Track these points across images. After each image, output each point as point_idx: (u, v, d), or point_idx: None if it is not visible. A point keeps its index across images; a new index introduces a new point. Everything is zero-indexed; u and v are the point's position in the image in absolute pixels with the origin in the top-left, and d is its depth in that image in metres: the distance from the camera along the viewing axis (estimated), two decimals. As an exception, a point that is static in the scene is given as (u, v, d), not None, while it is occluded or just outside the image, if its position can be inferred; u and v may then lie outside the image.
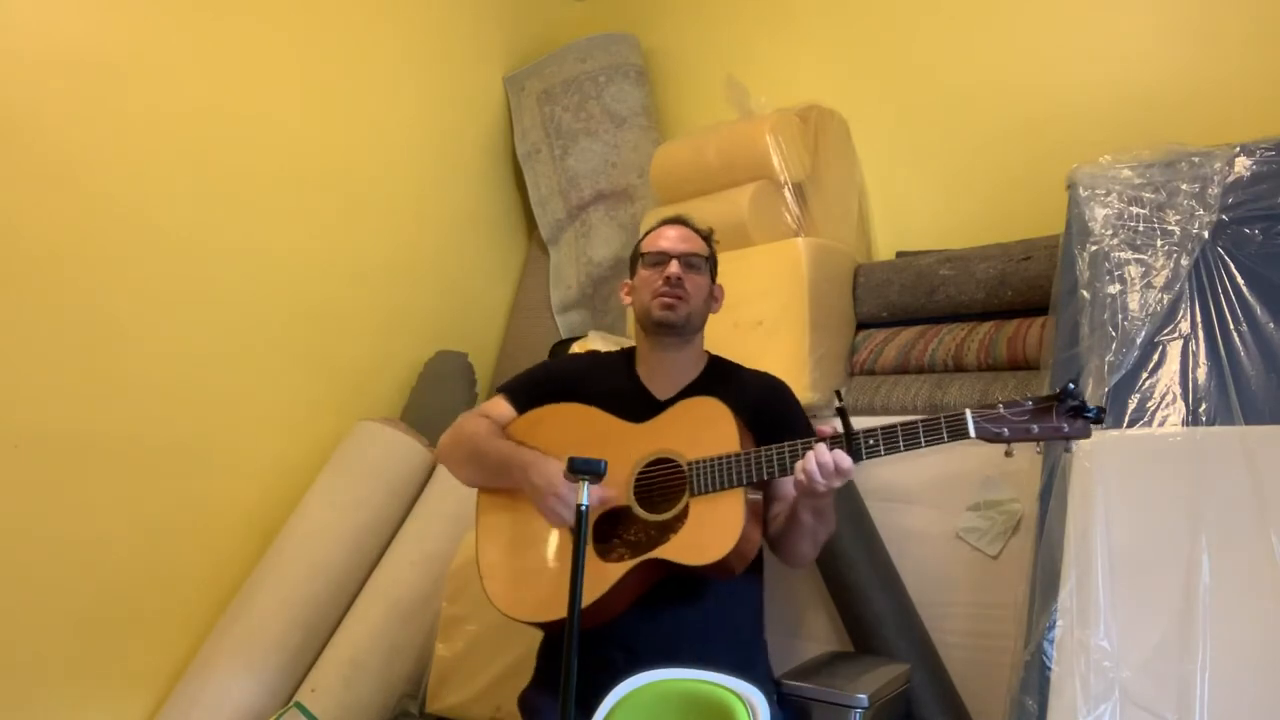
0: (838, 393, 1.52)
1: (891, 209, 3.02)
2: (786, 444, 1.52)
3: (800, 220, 2.71)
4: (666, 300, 1.70)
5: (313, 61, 3.04)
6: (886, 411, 2.49)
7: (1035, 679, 1.68)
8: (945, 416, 1.40)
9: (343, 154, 3.12)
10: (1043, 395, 1.39)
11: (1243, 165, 1.86)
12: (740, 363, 1.92)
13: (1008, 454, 1.40)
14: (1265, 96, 2.36)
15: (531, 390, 1.83)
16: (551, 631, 1.73)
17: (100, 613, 2.51)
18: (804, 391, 2.49)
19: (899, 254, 2.84)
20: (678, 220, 1.86)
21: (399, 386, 3.24)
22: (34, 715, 2.40)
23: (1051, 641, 1.67)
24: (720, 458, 1.55)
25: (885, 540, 2.31)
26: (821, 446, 1.48)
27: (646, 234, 1.84)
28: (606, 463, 1.39)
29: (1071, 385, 1.36)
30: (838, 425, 1.50)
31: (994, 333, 2.42)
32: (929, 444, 1.42)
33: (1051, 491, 1.81)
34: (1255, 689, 1.50)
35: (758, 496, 1.61)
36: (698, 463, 1.57)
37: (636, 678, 1.49)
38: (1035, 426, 1.39)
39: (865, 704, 1.91)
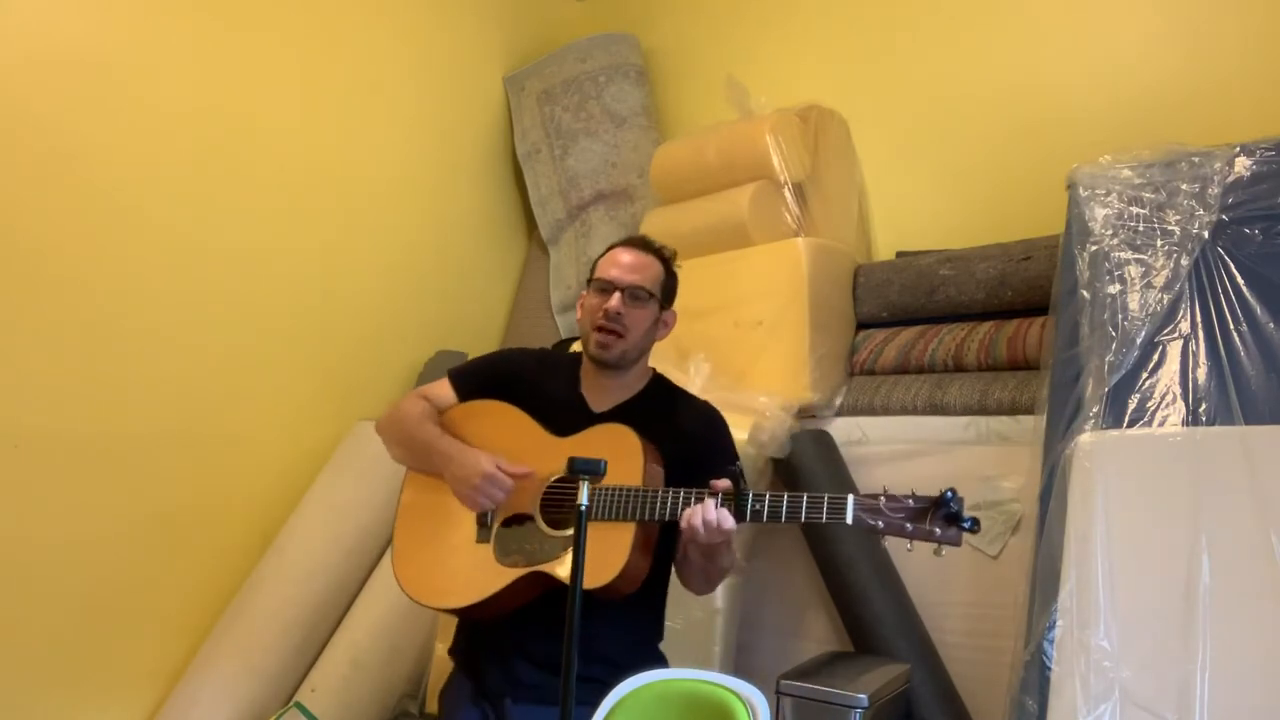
0: (736, 459, 1.59)
1: (891, 209, 3.02)
2: (682, 490, 1.57)
3: (800, 220, 2.71)
4: (601, 338, 1.72)
5: (313, 62, 3.04)
6: (887, 411, 2.49)
7: (1035, 679, 1.68)
8: (829, 498, 1.48)
9: (343, 154, 3.12)
10: (924, 495, 1.45)
11: (1243, 165, 1.86)
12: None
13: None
14: (1265, 96, 2.36)
15: (477, 381, 1.86)
16: (454, 616, 1.79)
17: (100, 613, 2.51)
18: (804, 391, 2.50)
19: (899, 254, 2.84)
20: (637, 242, 1.82)
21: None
22: (34, 715, 2.40)
23: (1051, 641, 1.67)
24: (619, 489, 1.59)
25: (881, 542, 2.31)
26: (709, 502, 1.53)
27: (607, 250, 1.83)
28: (606, 462, 1.40)
29: (949, 493, 1.42)
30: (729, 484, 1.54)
31: (994, 333, 2.42)
32: (809, 519, 1.49)
33: (1051, 491, 1.82)
34: (1255, 689, 1.51)
35: (652, 530, 1.65)
36: (599, 490, 1.60)
37: (636, 678, 1.49)
38: (909, 525, 1.45)
39: (865, 704, 1.91)
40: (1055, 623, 1.67)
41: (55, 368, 2.43)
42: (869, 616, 2.22)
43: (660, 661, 1.76)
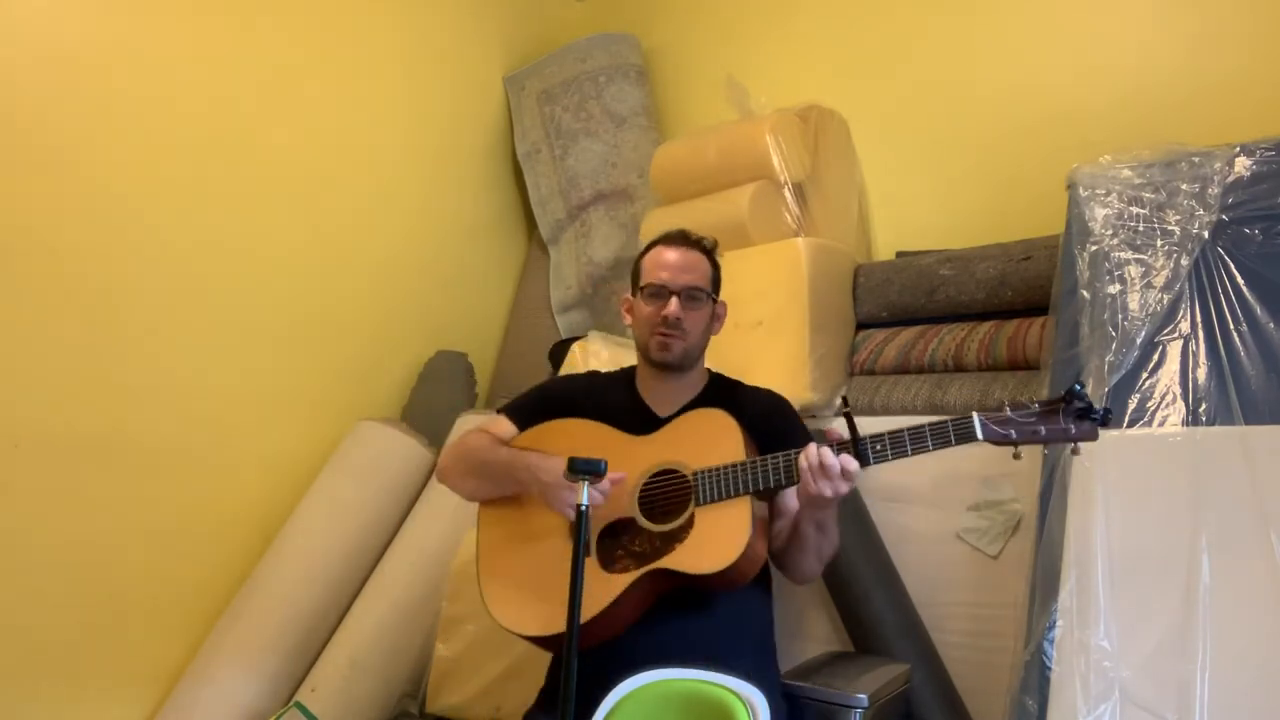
0: (843, 398, 1.52)
1: (891, 209, 3.02)
2: (793, 451, 1.51)
3: (800, 220, 2.71)
4: (664, 341, 1.69)
5: (313, 62, 3.04)
6: (887, 411, 2.49)
7: (1035, 679, 1.68)
8: (952, 420, 1.40)
9: (342, 153, 3.12)
10: (1049, 398, 1.38)
11: (1243, 165, 1.86)
12: (731, 376, 1.91)
13: (1016, 456, 1.40)
14: (1265, 96, 2.36)
15: (532, 408, 1.82)
16: (557, 649, 1.71)
17: (100, 613, 2.51)
18: (804, 391, 2.50)
19: (899, 254, 2.84)
20: (679, 239, 1.78)
21: (399, 386, 3.24)
22: (34, 715, 2.40)
23: (1051, 641, 1.67)
24: (726, 466, 1.54)
25: (885, 540, 2.31)
26: (826, 449, 1.46)
27: (649, 249, 1.78)
28: (606, 462, 1.39)
29: (1078, 386, 1.36)
30: (844, 432, 1.49)
31: (994, 333, 2.42)
32: (936, 448, 1.41)
33: (1051, 491, 1.81)
34: (1255, 689, 1.50)
35: (764, 508, 1.60)
36: (703, 472, 1.56)
37: (636, 678, 1.48)
38: (1042, 429, 1.38)
39: (865, 704, 1.91)
40: (1055, 623, 1.67)
41: (54, 367, 2.43)
42: (869, 616, 2.22)
43: (771, 658, 1.69)
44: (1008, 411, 1.38)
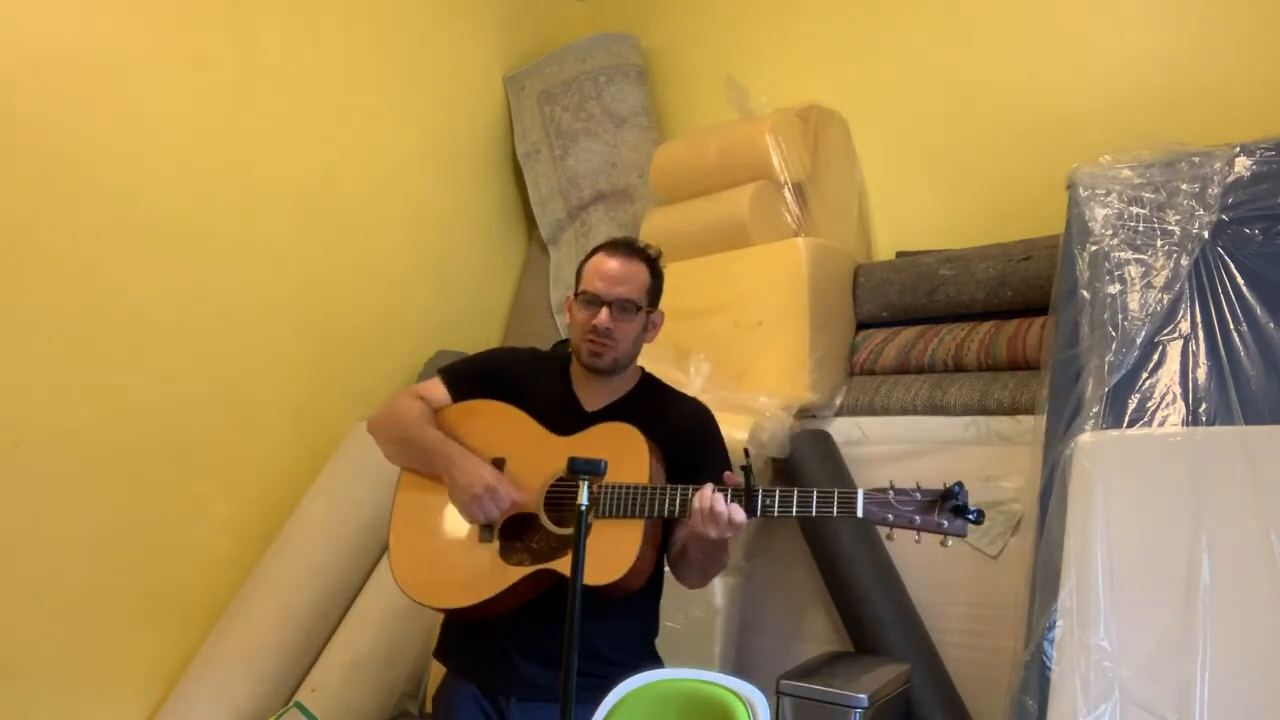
0: (746, 450, 1.60)
1: (891, 209, 3.02)
2: (691, 486, 1.57)
3: (800, 220, 2.71)
4: (593, 349, 1.74)
5: (313, 62, 3.04)
6: (886, 411, 2.49)
7: (1035, 679, 1.68)
8: (839, 492, 1.50)
9: (342, 154, 3.12)
10: (931, 489, 1.47)
11: (1243, 165, 1.86)
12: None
13: (889, 537, 1.51)
14: (1265, 96, 2.36)
15: (470, 380, 1.86)
16: (451, 620, 1.78)
17: (100, 613, 2.51)
18: (804, 391, 2.50)
19: (899, 254, 2.84)
20: (622, 248, 1.81)
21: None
22: (34, 715, 2.40)
23: (1051, 641, 1.67)
24: (627, 487, 1.60)
25: (885, 540, 2.31)
26: (719, 495, 1.53)
27: (592, 254, 1.83)
28: (606, 462, 1.40)
29: (957, 487, 1.44)
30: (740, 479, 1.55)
31: (994, 333, 2.42)
32: (819, 514, 1.51)
33: (1051, 491, 1.82)
34: (1255, 689, 1.51)
35: (657, 526, 1.66)
36: (606, 487, 1.60)
37: (636, 678, 1.49)
38: (917, 518, 1.47)
39: (865, 704, 1.91)
40: (1055, 623, 1.67)
41: (55, 367, 2.43)
42: (869, 616, 2.22)
43: (655, 659, 1.77)
44: (890, 495, 1.48)
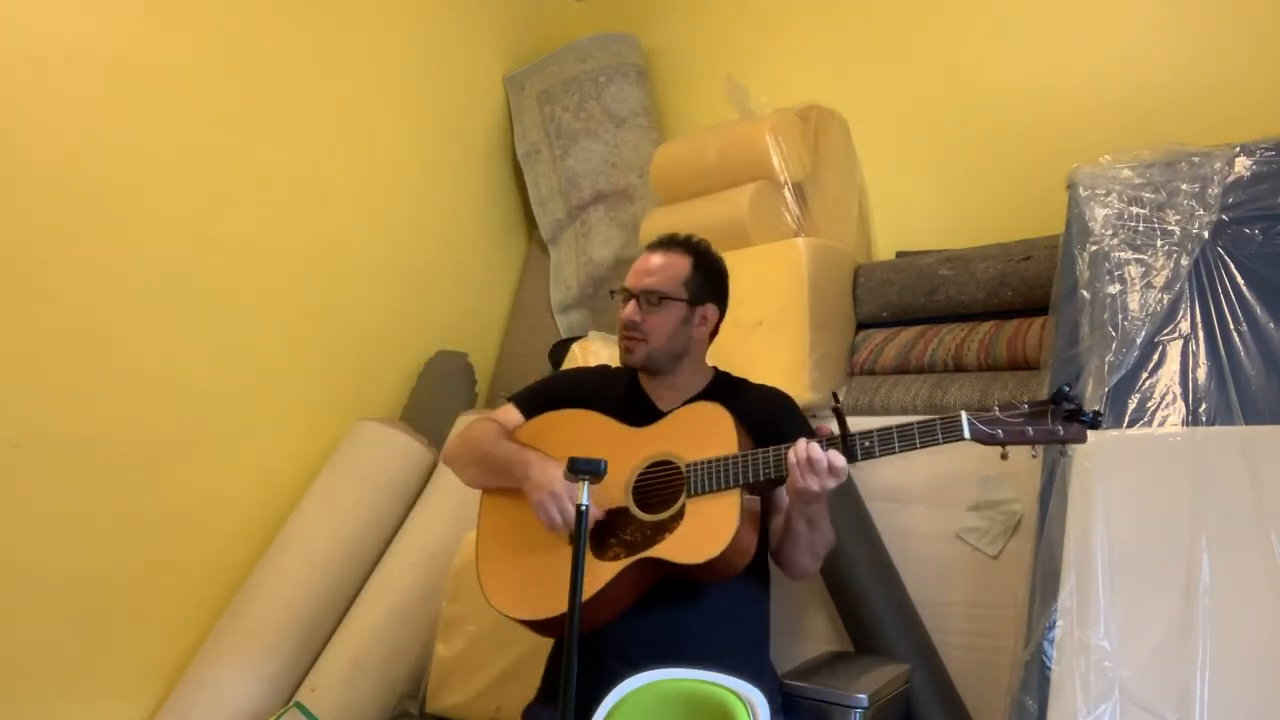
0: (834, 394, 1.52)
1: (891, 209, 3.02)
2: (784, 445, 1.52)
3: (800, 220, 2.71)
4: (625, 344, 1.73)
5: (313, 61, 3.04)
6: (886, 411, 2.49)
7: (1035, 679, 1.68)
8: (941, 419, 1.41)
9: (343, 154, 3.12)
10: (1039, 398, 1.38)
11: (1243, 165, 1.86)
12: (746, 376, 1.92)
13: (1003, 457, 1.40)
14: (1265, 96, 2.36)
15: (540, 398, 1.85)
16: (550, 634, 1.73)
17: (100, 613, 2.51)
18: (804, 391, 2.49)
19: (899, 254, 2.84)
20: (664, 241, 1.81)
21: (399, 386, 3.24)
22: (34, 715, 2.40)
23: (1051, 641, 1.67)
24: (717, 459, 1.56)
25: (885, 540, 2.31)
26: (814, 444, 1.47)
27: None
28: (606, 462, 1.39)
29: (1067, 388, 1.35)
30: (835, 428, 1.50)
31: (994, 333, 2.42)
32: (924, 445, 1.42)
33: (1051, 491, 1.81)
34: (1255, 689, 1.50)
35: (755, 502, 1.61)
36: (695, 464, 1.57)
37: (636, 678, 1.49)
38: (1030, 429, 1.38)
39: (865, 704, 1.91)
40: (1055, 623, 1.67)
41: (55, 367, 2.43)
42: (869, 616, 2.22)
43: (761, 664, 1.69)
44: (996, 411, 1.39)
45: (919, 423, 1.41)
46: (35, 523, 2.39)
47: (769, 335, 2.57)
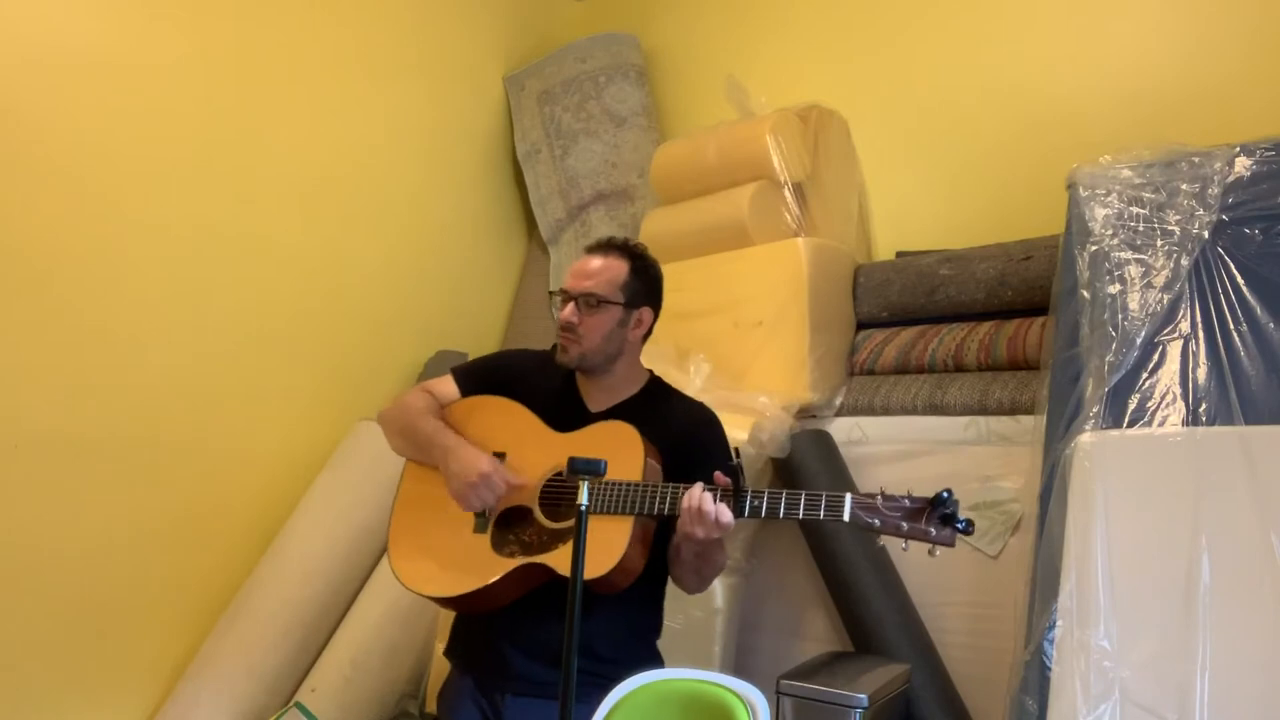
0: (735, 450, 1.59)
1: (891, 209, 3.02)
2: (681, 485, 1.58)
3: (800, 220, 2.71)
4: (560, 344, 1.75)
5: (313, 62, 3.04)
6: (887, 411, 2.49)
7: (1035, 679, 1.68)
8: (826, 495, 1.50)
9: (343, 154, 3.12)
10: (920, 496, 1.47)
11: (1243, 165, 1.86)
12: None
13: (878, 544, 1.50)
14: (1265, 96, 2.36)
15: (479, 377, 1.89)
16: (453, 609, 1.79)
17: (100, 612, 2.51)
18: (804, 391, 2.50)
19: (899, 254, 2.84)
20: (601, 245, 1.84)
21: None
22: (34, 715, 2.40)
23: (1051, 641, 1.67)
24: (619, 483, 1.60)
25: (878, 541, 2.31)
26: (708, 495, 1.53)
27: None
28: (606, 463, 1.40)
29: (945, 494, 1.43)
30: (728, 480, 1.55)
31: (994, 333, 2.42)
32: (806, 517, 1.51)
33: (1051, 491, 1.82)
34: (1255, 689, 1.51)
35: (650, 524, 1.65)
36: (600, 483, 1.61)
37: (636, 678, 1.49)
38: (905, 525, 1.46)
39: (865, 704, 1.91)
40: (1055, 623, 1.67)
41: (55, 368, 2.43)
42: (869, 616, 2.22)
43: (656, 659, 1.77)
44: (878, 501, 1.48)
45: (807, 495, 1.51)
46: (35, 523, 2.39)
47: (769, 335, 2.57)
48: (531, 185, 3.59)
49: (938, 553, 1.45)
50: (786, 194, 2.71)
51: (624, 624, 1.71)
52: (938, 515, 1.44)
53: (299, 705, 2.53)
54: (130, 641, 2.57)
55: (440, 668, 2.53)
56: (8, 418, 2.35)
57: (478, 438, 1.76)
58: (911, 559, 2.28)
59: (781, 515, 1.53)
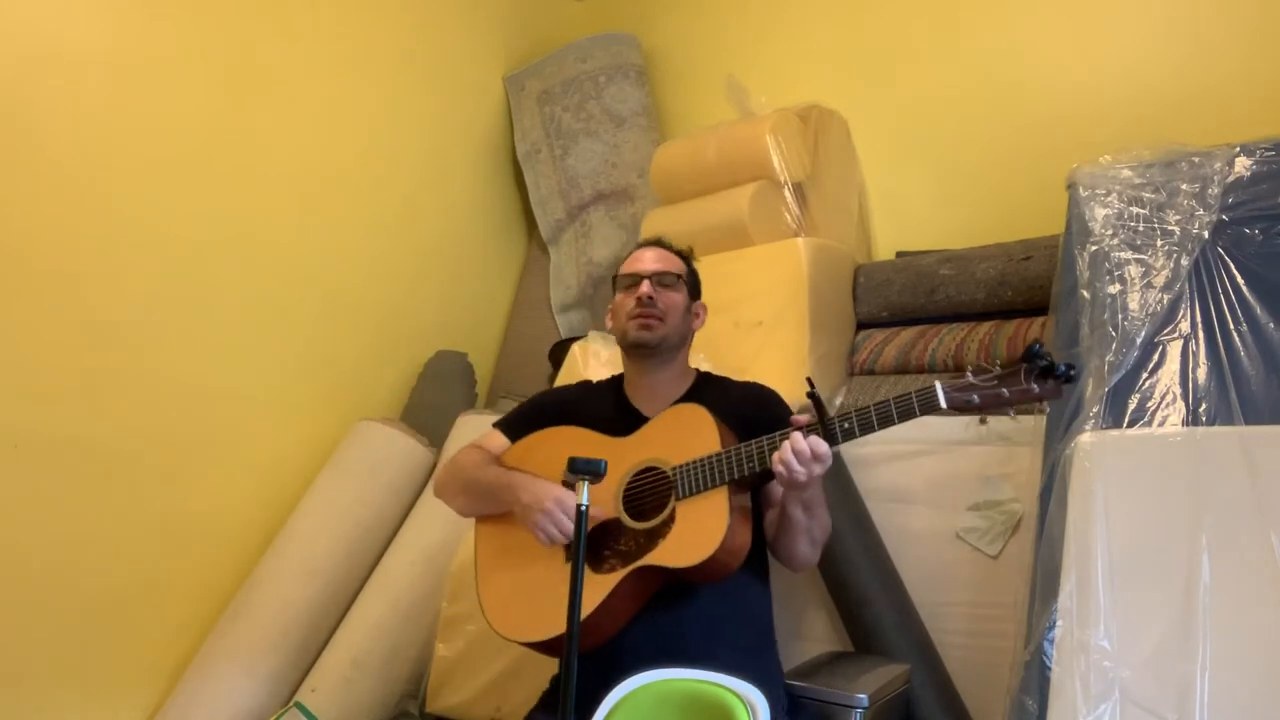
0: (809, 380, 1.51)
1: (891, 209, 3.02)
2: (764, 438, 1.52)
3: (800, 220, 2.71)
4: (641, 321, 1.73)
5: (313, 62, 3.04)
6: (886, 411, 2.49)
7: (1035, 679, 1.68)
8: (917, 391, 1.41)
9: (343, 154, 3.12)
10: (1010, 360, 1.37)
11: (1243, 165, 1.86)
12: (731, 375, 1.93)
13: (982, 422, 1.41)
14: (1265, 96, 2.36)
15: (525, 421, 1.86)
16: (558, 654, 1.71)
17: (100, 613, 2.51)
18: (804, 392, 2.49)
19: (899, 254, 2.84)
20: (653, 242, 1.87)
21: (399, 386, 3.24)
22: (34, 715, 2.40)
23: (1051, 641, 1.67)
24: (701, 459, 1.56)
25: (885, 540, 2.31)
26: (796, 434, 1.47)
27: (627, 257, 1.85)
28: (606, 462, 1.40)
29: (1038, 345, 1.34)
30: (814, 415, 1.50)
31: (994, 333, 2.42)
32: (901, 420, 1.42)
33: (1051, 491, 1.81)
34: (1255, 689, 1.50)
35: (746, 498, 1.61)
36: (681, 466, 1.57)
37: (635, 678, 1.49)
38: (1005, 390, 1.37)
39: (865, 704, 1.91)
40: (1055, 623, 1.67)
41: (55, 368, 2.43)
42: (869, 616, 2.22)
43: (767, 654, 1.69)
44: (970, 377, 1.38)
45: (896, 398, 1.41)
46: (35, 523, 2.39)
47: (769, 335, 2.57)
48: (531, 185, 3.59)
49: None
50: (786, 194, 2.71)
51: (722, 614, 1.63)
52: (1036, 371, 1.35)
53: (299, 705, 2.53)
54: (130, 641, 2.57)
55: (441, 668, 2.53)
56: (8, 418, 2.35)
57: (544, 469, 1.70)
58: (912, 559, 2.28)
59: (876, 427, 1.43)
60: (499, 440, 1.85)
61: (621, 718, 1.45)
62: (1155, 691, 1.55)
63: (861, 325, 2.74)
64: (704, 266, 2.74)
